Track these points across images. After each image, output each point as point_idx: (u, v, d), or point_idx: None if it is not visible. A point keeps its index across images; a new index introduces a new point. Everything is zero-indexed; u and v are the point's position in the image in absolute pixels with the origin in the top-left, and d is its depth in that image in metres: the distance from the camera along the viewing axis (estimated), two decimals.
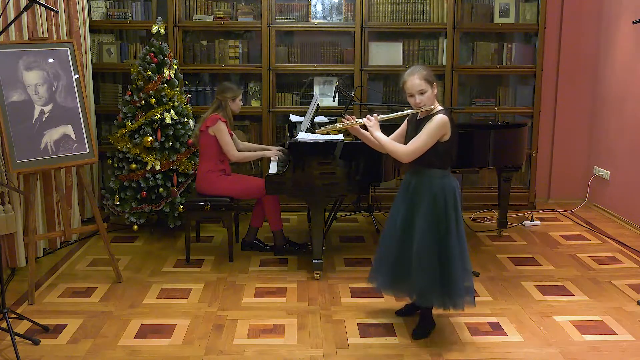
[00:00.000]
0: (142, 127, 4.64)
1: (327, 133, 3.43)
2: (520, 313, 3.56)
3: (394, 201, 3.26)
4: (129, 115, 4.69)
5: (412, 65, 5.37)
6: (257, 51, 5.44)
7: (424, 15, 5.43)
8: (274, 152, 4.49)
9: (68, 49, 3.90)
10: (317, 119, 4.82)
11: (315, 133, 4.28)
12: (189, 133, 4.77)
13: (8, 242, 3.98)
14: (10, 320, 3.09)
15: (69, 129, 3.84)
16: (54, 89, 3.79)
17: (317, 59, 5.47)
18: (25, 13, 3.85)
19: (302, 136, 4.07)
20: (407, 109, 3.18)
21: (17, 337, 3.09)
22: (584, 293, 3.84)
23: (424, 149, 3.01)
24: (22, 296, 3.75)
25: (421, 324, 3.30)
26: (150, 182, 4.66)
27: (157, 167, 4.63)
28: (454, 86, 5.47)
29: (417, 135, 3.04)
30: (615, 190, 5.42)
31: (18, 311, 3.44)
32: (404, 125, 3.27)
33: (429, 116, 3.07)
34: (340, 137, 3.98)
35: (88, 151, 3.91)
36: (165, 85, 4.67)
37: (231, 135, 4.35)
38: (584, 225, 5.24)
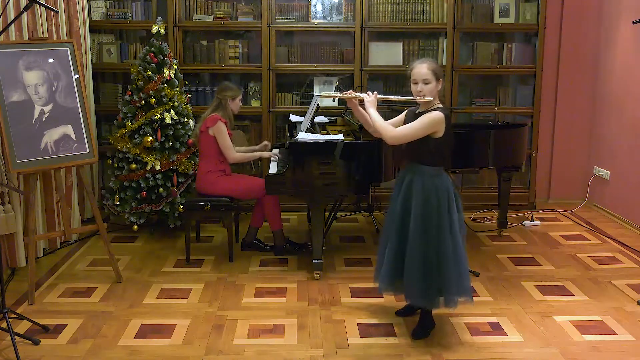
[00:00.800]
0: (142, 127, 4.64)
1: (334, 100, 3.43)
2: (520, 313, 3.56)
3: (391, 199, 3.27)
4: (129, 115, 4.69)
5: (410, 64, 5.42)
6: (257, 51, 5.44)
7: (424, 15, 5.42)
8: (269, 154, 4.49)
9: (68, 49, 3.90)
10: (317, 119, 4.82)
11: (316, 132, 4.29)
12: (189, 133, 4.77)
13: (8, 242, 3.98)
14: (10, 320, 3.09)
15: (69, 129, 3.84)
16: (54, 89, 3.79)
17: (317, 59, 5.47)
18: (25, 13, 3.85)
19: (302, 136, 4.07)
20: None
21: (17, 337, 3.09)
22: (584, 293, 3.84)
23: (410, 137, 3.03)
24: (22, 296, 3.75)
25: (421, 324, 3.30)
26: (150, 182, 4.66)
27: (157, 167, 4.63)
28: (454, 86, 5.47)
29: (409, 124, 3.07)
30: (615, 190, 5.42)
31: (18, 311, 3.44)
32: (402, 115, 3.28)
33: (427, 111, 3.08)
34: (340, 137, 3.98)
35: (88, 151, 3.91)
36: (165, 85, 4.67)
37: (230, 135, 4.35)
38: (584, 225, 5.24)
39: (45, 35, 4.35)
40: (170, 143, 4.68)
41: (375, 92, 3.21)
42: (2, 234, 3.82)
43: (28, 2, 3.37)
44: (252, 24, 5.39)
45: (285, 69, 5.44)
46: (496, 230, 4.99)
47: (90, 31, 5.16)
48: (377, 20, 5.39)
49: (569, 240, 4.87)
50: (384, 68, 5.47)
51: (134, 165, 4.65)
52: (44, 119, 3.73)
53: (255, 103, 5.50)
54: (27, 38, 4.00)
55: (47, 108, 3.76)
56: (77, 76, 3.91)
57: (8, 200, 3.90)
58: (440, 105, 3.10)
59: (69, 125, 3.84)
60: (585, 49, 5.68)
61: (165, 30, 4.86)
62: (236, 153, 4.37)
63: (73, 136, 3.85)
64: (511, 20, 5.49)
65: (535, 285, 3.95)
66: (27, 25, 4.15)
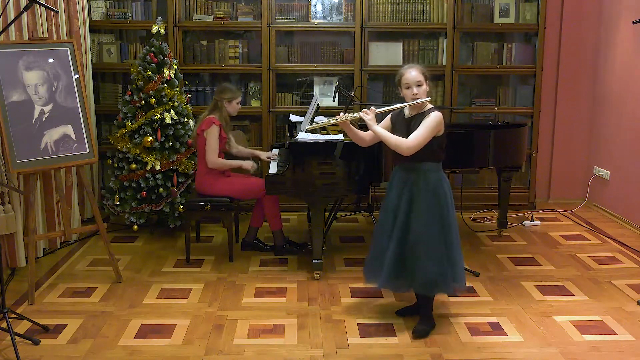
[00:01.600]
0: (142, 127, 4.64)
1: (316, 130, 3.47)
2: (520, 313, 3.56)
3: (387, 199, 3.32)
4: (129, 115, 4.69)
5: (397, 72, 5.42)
6: (257, 51, 5.44)
7: (424, 15, 5.42)
8: (250, 165, 4.41)
9: (68, 49, 3.90)
10: (317, 119, 4.82)
11: (315, 132, 4.29)
12: (189, 133, 4.77)
13: (8, 242, 3.98)
14: (10, 320, 3.09)
15: (69, 129, 3.84)
16: (54, 89, 3.79)
17: (317, 59, 5.47)
18: (25, 13, 3.85)
19: (302, 136, 4.07)
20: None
21: (17, 337, 3.09)
22: (584, 293, 3.84)
23: (423, 143, 3.12)
24: (22, 296, 3.75)
25: (421, 324, 3.30)
26: (150, 182, 4.66)
27: (157, 167, 4.63)
28: (454, 86, 5.47)
29: (416, 131, 3.13)
30: (615, 190, 5.42)
31: (18, 311, 3.44)
32: (387, 122, 3.35)
33: (420, 114, 3.18)
34: (340, 137, 3.98)
35: (88, 151, 3.91)
36: (165, 85, 4.67)
37: (223, 139, 4.31)
38: (584, 225, 5.24)
39: (45, 35, 4.35)
40: (170, 143, 4.68)
41: (372, 108, 3.27)
42: (2, 234, 3.82)
43: (28, 2, 3.37)
44: (252, 24, 5.39)
45: (285, 69, 5.44)
46: (496, 230, 4.99)
47: (90, 31, 5.16)
48: (377, 20, 5.39)
49: (569, 240, 4.87)
50: (384, 68, 5.47)
51: (134, 165, 4.65)
52: (44, 119, 3.73)
53: (255, 103, 5.50)
54: (27, 38, 4.00)
55: (47, 108, 3.76)
56: (77, 76, 3.91)
57: (8, 200, 3.90)
58: (431, 106, 3.21)
59: (69, 125, 3.84)
60: (585, 49, 5.68)
61: (165, 30, 4.86)
62: (217, 158, 4.28)
63: (73, 136, 3.85)
64: (511, 20, 5.49)
65: (535, 285, 3.95)
66: (27, 25, 4.15)
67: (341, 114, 3.40)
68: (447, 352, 3.12)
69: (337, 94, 5.03)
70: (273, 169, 4.33)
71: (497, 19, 5.48)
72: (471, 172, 5.65)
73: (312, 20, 5.41)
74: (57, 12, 3.86)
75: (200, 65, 5.43)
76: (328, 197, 4.06)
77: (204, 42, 5.44)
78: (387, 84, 5.58)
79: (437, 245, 3.17)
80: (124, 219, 4.84)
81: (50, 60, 3.80)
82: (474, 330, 3.35)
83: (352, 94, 4.81)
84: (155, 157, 4.65)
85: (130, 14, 5.34)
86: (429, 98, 3.16)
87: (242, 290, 3.88)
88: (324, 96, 5.45)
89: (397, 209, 3.23)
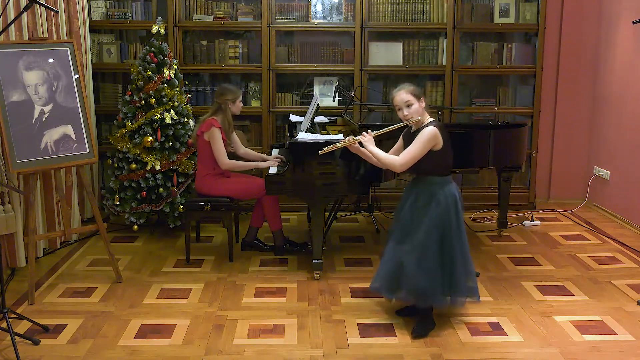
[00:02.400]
0: (142, 127, 4.64)
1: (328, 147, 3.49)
2: (520, 313, 3.56)
3: (398, 208, 3.38)
4: (129, 115, 4.69)
5: (412, 65, 5.42)
6: (257, 51, 5.44)
7: (424, 15, 5.43)
8: (266, 164, 4.41)
9: (68, 49, 3.90)
10: (317, 119, 4.82)
11: (316, 132, 4.29)
12: (189, 133, 4.77)
13: (8, 242, 3.98)
14: (10, 320, 3.09)
15: (69, 129, 3.84)
16: (54, 89, 3.79)
17: (317, 59, 5.47)
18: (25, 13, 3.85)
19: (302, 136, 4.06)
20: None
21: (17, 337, 3.09)
22: (584, 293, 3.84)
23: (415, 158, 3.17)
24: (22, 296, 3.75)
25: (421, 324, 3.31)
26: (150, 182, 4.66)
27: (157, 167, 4.63)
28: (454, 86, 5.47)
29: (409, 147, 3.20)
30: (615, 190, 5.42)
31: (18, 311, 3.44)
32: (400, 141, 3.42)
33: (420, 129, 3.22)
34: (340, 137, 3.98)
35: (88, 151, 3.91)
36: (165, 85, 4.67)
37: (225, 142, 4.31)
38: (584, 225, 5.24)
39: (45, 35, 4.35)
40: (170, 143, 4.68)
41: (369, 131, 3.35)
42: (2, 234, 3.82)
43: (28, 2, 3.37)
44: (252, 24, 5.39)
45: (285, 69, 5.44)
46: (496, 230, 4.99)
47: (90, 31, 5.16)
48: (377, 20, 5.39)
49: (569, 240, 4.87)
50: (384, 68, 5.47)
51: (134, 165, 4.65)
52: (44, 119, 3.73)
53: (255, 103, 5.50)
54: (27, 38, 4.00)
55: (47, 108, 3.76)
56: (77, 76, 3.91)
57: (8, 200, 3.90)
58: (431, 120, 3.24)
59: (69, 125, 3.84)
60: (585, 49, 5.68)
61: (165, 30, 4.86)
62: (228, 160, 4.29)
63: (73, 136, 3.85)
64: (511, 20, 5.49)
65: (535, 285, 3.95)
66: (27, 25, 4.15)
67: (347, 138, 3.43)
68: (447, 352, 3.12)
69: (337, 94, 5.04)
70: (273, 169, 4.33)
71: (497, 19, 5.48)
72: (471, 172, 5.65)
73: (312, 20, 5.41)
74: (57, 12, 3.86)
75: (200, 65, 5.43)
76: (328, 197, 4.05)
77: (204, 42, 5.44)
78: (387, 84, 5.58)
79: (430, 257, 3.18)
80: (124, 219, 4.84)
81: (50, 60, 3.80)
82: (474, 330, 3.35)
83: (352, 94, 4.81)
84: (155, 157, 4.65)
85: (130, 14, 5.34)
86: (418, 119, 3.19)
87: (242, 290, 3.88)
88: (324, 96, 5.45)
89: (404, 219, 3.29)
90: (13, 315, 3.24)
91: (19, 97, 3.63)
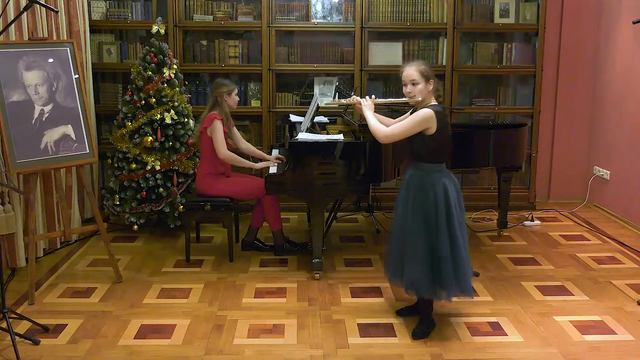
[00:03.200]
0: (142, 127, 4.64)
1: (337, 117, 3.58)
2: (520, 313, 3.56)
3: (397, 198, 3.33)
4: (129, 115, 4.69)
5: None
6: (257, 51, 5.44)
7: (424, 15, 5.43)
8: (263, 165, 4.40)
9: (68, 49, 3.90)
10: (317, 119, 4.82)
11: (316, 132, 4.29)
12: (189, 133, 4.77)
13: (8, 242, 3.98)
14: (10, 320, 3.09)
15: (69, 129, 3.83)
16: (54, 89, 3.79)
17: (317, 59, 5.47)
18: (25, 13, 3.85)
19: (302, 136, 4.06)
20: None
21: (17, 337, 3.09)
22: (584, 293, 3.84)
23: (402, 134, 3.11)
24: (22, 296, 3.75)
25: (421, 324, 3.30)
26: (150, 182, 4.66)
27: (157, 167, 4.63)
28: (454, 86, 5.47)
29: (400, 122, 3.17)
30: (615, 190, 5.42)
31: (18, 311, 3.44)
32: (403, 118, 3.35)
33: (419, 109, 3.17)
34: (340, 137, 3.98)
35: (88, 151, 3.91)
36: (165, 85, 4.67)
37: (226, 134, 4.32)
38: (584, 225, 5.24)
39: (45, 35, 4.35)
40: (170, 143, 4.68)
41: (373, 96, 3.34)
42: (2, 234, 3.83)
43: (28, 2, 3.37)
44: (252, 24, 5.39)
45: (285, 69, 5.44)
46: (496, 230, 4.99)
47: (90, 31, 5.16)
48: (377, 20, 5.39)
49: (569, 240, 4.86)
50: (384, 68, 5.47)
51: (134, 165, 4.65)
52: (44, 119, 3.73)
53: (255, 103, 5.50)
54: (27, 38, 4.00)
55: (47, 108, 3.76)
56: (77, 76, 3.91)
57: (8, 200, 3.90)
58: (434, 103, 3.15)
59: (69, 125, 3.84)
60: (585, 49, 5.68)
61: (165, 30, 4.86)
62: (227, 151, 4.28)
63: (73, 136, 3.85)
64: (511, 20, 5.49)
65: (535, 285, 3.95)
66: (27, 25, 4.15)
67: (354, 97, 3.50)
68: (447, 352, 3.12)
69: (337, 94, 5.03)
70: (273, 169, 4.33)
71: (497, 19, 5.48)
72: (471, 172, 5.65)
73: (312, 20, 5.41)
74: (57, 12, 3.87)
75: (200, 65, 5.43)
76: (328, 197, 4.05)
77: (204, 42, 5.44)
78: (387, 84, 5.58)
79: (419, 246, 3.12)
80: (124, 219, 4.84)
81: (50, 60, 3.80)
82: (474, 330, 3.35)
83: (352, 94, 4.81)
84: (155, 157, 4.65)
85: (130, 14, 5.34)
86: (420, 99, 3.12)
87: (242, 290, 3.87)
88: (324, 96, 5.45)
89: (399, 207, 3.26)
90: (13, 315, 3.24)
91: (19, 97, 3.63)
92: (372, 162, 3.95)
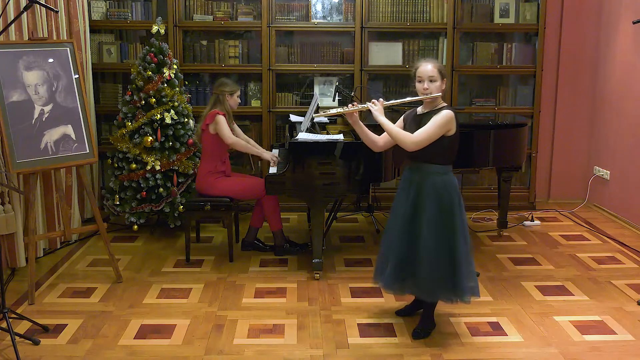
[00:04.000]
0: (142, 127, 4.64)
1: (325, 131, 3.46)
2: (520, 313, 3.56)
3: (396, 199, 3.26)
4: (129, 115, 4.69)
5: (413, 65, 5.41)
6: (257, 51, 5.44)
7: (424, 15, 5.43)
8: (270, 155, 4.42)
9: (68, 49, 3.90)
10: (317, 119, 4.82)
11: (316, 132, 4.29)
12: (189, 133, 4.77)
13: (8, 242, 3.98)
14: (10, 320, 3.09)
15: (69, 129, 3.83)
16: (54, 89, 3.79)
17: (317, 59, 5.47)
18: (25, 13, 3.85)
19: (302, 136, 4.07)
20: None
21: (17, 337, 3.09)
22: (584, 293, 3.84)
23: (430, 140, 3.03)
24: (22, 296, 3.75)
25: (422, 324, 3.30)
26: (150, 182, 4.66)
27: (157, 167, 4.63)
28: (454, 86, 5.47)
29: (424, 126, 3.05)
30: (615, 190, 5.42)
31: (18, 311, 3.44)
32: (400, 122, 3.28)
33: (433, 111, 3.11)
34: (340, 137, 3.98)
35: (88, 151, 3.91)
36: (165, 85, 4.67)
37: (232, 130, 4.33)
38: (584, 225, 5.24)
39: (45, 35, 4.35)
40: (170, 143, 4.68)
41: (380, 100, 3.20)
42: (2, 234, 3.82)
43: (28, 2, 3.37)
44: (252, 24, 5.39)
45: (285, 69, 5.44)
46: (496, 230, 4.99)
47: (90, 31, 5.16)
48: (377, 20, 5.39)
49: (569, 240, 4.87)
50: (384, 68, 5.47)
51: (134, 165, 4.65)
52: (44, 119, 3.73)
53: (255, 103, 5.50)
54: (27, 38, 4.00)
55: (47, 108, 3.76)
56: (77, 76, 3.91)
57: (8, 200, 3.90)
58: (445, 104, 3.13)
59: (69, 125, 3.84)
60: (585, 49, 5.68)
61: (165, 30, 4.86)
62: (233, 137, 4.28)
63: (73, 136, 3.85)
64: (511, 20, 5.49)
65: (535, 285, 3.95)
66: (27, 25, 4.15)
67: (349, 105, 3.29)
68: (447, 352, 3.12)
69: (337, 94, 5.04)
70: (273, 169, 4.33)
71: (497, 19, 5.48)
72: (471, 172, 5.65)
73: (312, 20, 5.41)
74: (57, 12, 3.86)
75: (200, 65, 5.43)
76: (328, 197, 4.05)
77: (204, 42, 5.44)
78: (387, 84, 5.58)
79: (439, 252, 3.07)
80: (124, 219, 4.84)
81: (50, 60, 3.80)
82: (474, 330, 3.35)
83: (352, 94, 4.82)
84: (155, 157, 4.65)
85: (130, 14, 5.34)
86: (440, 94, 3.08)
87: (242, 290, 3.88)
88: (324, 96, 5.45)
89: (404, 211, 3.16)
90: (13, 315, 3.24)
91: (19, 97, 3.63)
92: (372, 162, 3.95)
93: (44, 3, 3.75)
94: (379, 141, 3.30)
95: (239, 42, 5.45)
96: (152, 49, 4.66)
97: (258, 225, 4.57)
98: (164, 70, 4.66)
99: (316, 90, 5.48)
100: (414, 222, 3.13)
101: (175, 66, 4.74)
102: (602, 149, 5.63)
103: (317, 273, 4.05)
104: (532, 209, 5.65)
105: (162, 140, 4.66)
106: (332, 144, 3.91)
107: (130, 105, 4.69)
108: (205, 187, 4.34)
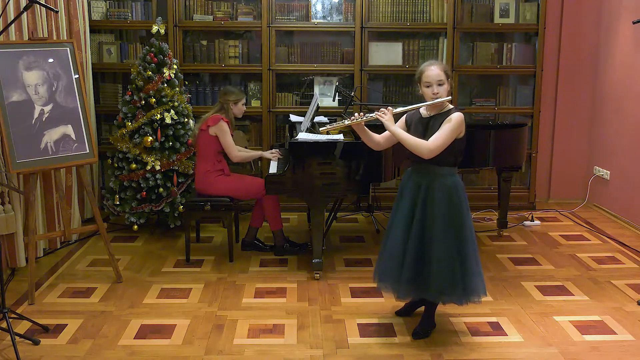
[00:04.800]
0: (142, 127, 4.64)
1: (328, 133, 3.43)
2: (520, 313, 3.56)
3: (399, 201, 3.20)
4: (129, 115, 4.69)
5: (412, 65, 5.42)
6: (257, 51, 5.44)
7: (424, 15, 5.43)
8: (270, 153, 4.48)
9: (68, 49, 3.90)
10: (317, 119, 4.82)
11: (316, 132, 4.29)
12: (189, 133, 4.77)
13: (8, 242, 3.98)
14: (10, 320, 3.09)
15: (69, 129, 3.84)
16: (54, 89, 3.79)
17: (317, 59, 5.47)
18: (25, 13, 3.85)
19: (302, 136, 4.07)
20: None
21: (17, 337, 3.09)
22: (584, 293, 3.84)
23: (445, 145, 3.00)
24: (22, 296, 3.75)
25: (422, 324, 3.30)
26: (150, 182, 4.66)
27: (157, 167, 4.63)
28: (454, 86, 5.46)
29: (438, 132, 3.01)
30: (615, 190, 5.42)
31: (18, 311, 3.44)
32: (402, 123, 3.21)
33: (440, 114, 3.07)
34: (340, 137, 3.98)
35: (88, 151, 3.91)
36: (165, 85, 4.67)
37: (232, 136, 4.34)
38: (584, 225, 5.24)
39: (45, 35, 4.35)
40: (170, 143, 4.68)
41: (389, 108, 3.12)
42: (2, 234, 3.82)
43: (28, 2, 3.37)
44: (252, 24, 5.39)
45: (285, 69, 5.44)
46: (496, 230, 4.99)
47: (90, 31, 5.16)
48: (377, 20, 5.39)
49: (569, 240, 4.87)
50: (384, 68, 5.47)
51: (134, 165, 4.65)
52: (44, 119, 3.73)
53: (255, 103, 5.50)
54: (27, 38, 4.00)
55: (47, 108, 3.76)
56: (77, 76, 3.91)
57: (8, 200, 3.90)
58: (452, 106, 3.10)
59: (69, 125, 3.84)
60: (585, 49, 5.68)
61: (165, 30, 4.86)
62: (239, 152, 4.37)
63: (73, 136, 3.85)
64: (511, 20, 5.49)
65: (535, 285, 3.95)
66: (27, 25, 4.15)
67: (356, 114, 3.21)
68: (447, 352, 3.12)
69: (337, 94, 5.03)
70: (273, 169, 4.33)
71: (497, 19, 5.48)
72: (471, 172, 5.65)
73: (312, 20, 5.41)
74: (57, 12, 3.86)
75: (200, 65, 5.43)
76: (328, 197, 4.05)
77: (204, 42, 5.44)
78: (387, 84, 5.58)
79: (450, 254, 3.04)
80: (124, 219, 4.84)
81: (50, 60, 3.80)
82: (474, 330, 3.35)
83: (352, 94, 4.81)
84: (155, 157, 4.65)
85: (130, 14, 5.34)
86: (450, 97, 3.04)
87: (242, 290, 3.88)
88: (324, 96, 5.45)
89: (412, 215, 3.10)
90: (13, 315, 3.24)
91: (19, 97, 3.63)
92: (372, 162, 3.95)
93: (44, 3, 3.75)
94: (381, 140, 3.27)
95: (239, 42, 5.45)
96: (152, 49, 4.67)
97: (258, 225, 4.57)
98: (164, 70, 4.66)
99: (316, 90, 5.48)
100: (423, 225, 3.08)
101: (175, 66, 4.74)
102: (602, 149, 5.63)
103: (317, 273, 4.05)
104: (532, 209, 5.65)
105: (162, 140, 4.66)
106: (332, 144, 3.91)
107: (130, 105, 4.69)
108: (204, 186, 4.34)
